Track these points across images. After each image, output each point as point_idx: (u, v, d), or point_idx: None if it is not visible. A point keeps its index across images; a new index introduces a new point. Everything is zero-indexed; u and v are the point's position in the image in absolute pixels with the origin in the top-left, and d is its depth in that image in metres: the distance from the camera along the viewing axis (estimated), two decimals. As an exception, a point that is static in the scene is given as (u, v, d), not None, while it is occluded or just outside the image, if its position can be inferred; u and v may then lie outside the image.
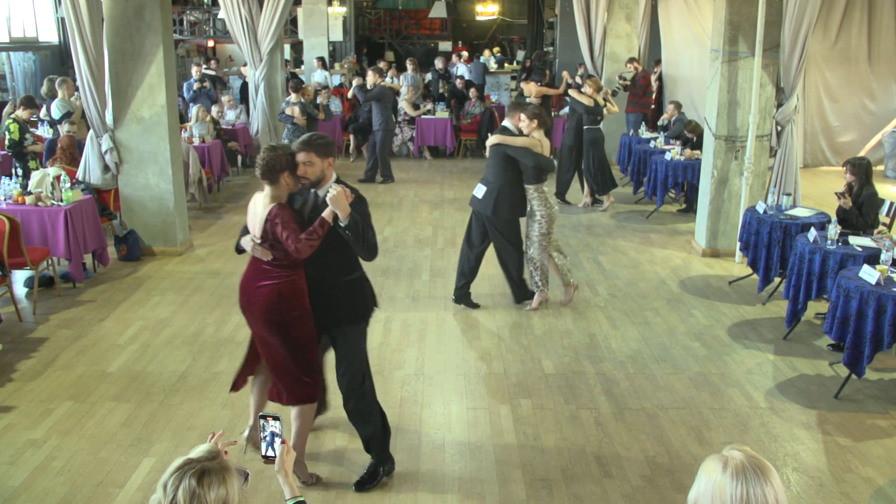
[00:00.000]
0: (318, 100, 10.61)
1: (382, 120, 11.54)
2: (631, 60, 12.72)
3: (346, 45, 22.70)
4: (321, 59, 17.06)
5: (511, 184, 6.34)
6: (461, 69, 18.04)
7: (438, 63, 16.20)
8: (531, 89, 10.31)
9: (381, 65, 14.62)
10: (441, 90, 15.53)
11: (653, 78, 13.96)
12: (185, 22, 20.41)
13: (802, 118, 12.00)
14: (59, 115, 9.33)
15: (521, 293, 6.70)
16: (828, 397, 5.12)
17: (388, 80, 14.32)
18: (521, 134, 6.33)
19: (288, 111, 10.09)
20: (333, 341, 4.09)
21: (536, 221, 6.44)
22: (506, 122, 6.49)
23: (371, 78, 11.58)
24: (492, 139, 6.42)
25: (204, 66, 14.71)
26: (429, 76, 16.41)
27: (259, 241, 3.82)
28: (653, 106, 13.53)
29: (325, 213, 3.71)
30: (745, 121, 7.80)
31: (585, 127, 10.07)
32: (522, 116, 6.28)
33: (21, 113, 8.51)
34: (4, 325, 6.07)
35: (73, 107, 9.46)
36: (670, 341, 6.03)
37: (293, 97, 10.11)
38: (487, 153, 6.51)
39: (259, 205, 3.84)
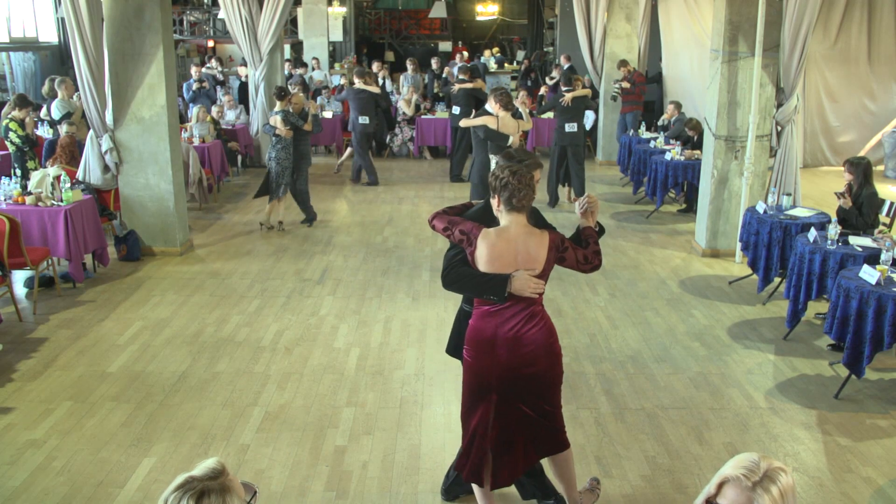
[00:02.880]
0: (308, 109, 9.15)
1: (361, 121, 11.59)
2: (624, 64, 12.71)
3: (346, 45, 22.70)
4: (316, 59, 17.28)
5: (481, 154, 7.77)
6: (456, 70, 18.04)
7: (434, 63, 16.25)
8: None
9: (374, 67, 14.70)
10: (435, 90, 15.54)
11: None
12: (185, 22, 20.41)
13: (802, 118, 12.00)
14: (59, 116, 9.32)
15: None
16: (828, 397, 5.12)
17: (379, 81, 14.36)
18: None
19: (271, 121, 8.91)
20: None
21: None
22: (486, 105, 8.08)
23: (357, 81, 11.59)
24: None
25: (204, 67, 14.64)
26: (427, 76, 16.45)
27: (537, 276, 3.34)
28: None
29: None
30: (745, 121, 7.79)
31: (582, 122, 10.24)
32: (490, 99, 7.95)
33: (17, 113, 8.51)
34: (4, 325, 6.07)
35: (73, 107, 9.46)
36: (670, 341, 6.03)
37: (278, 106, 8.87)
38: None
39: (517, 240, 3.32)
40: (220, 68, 15.99)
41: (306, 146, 9.15)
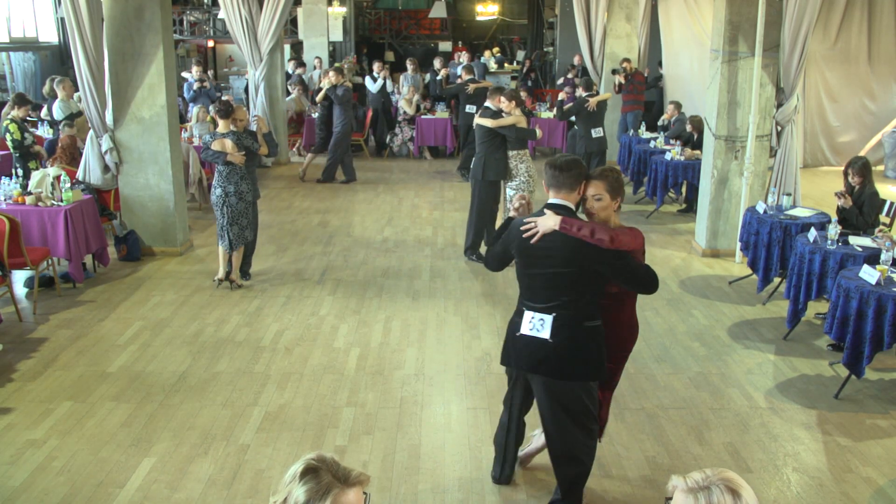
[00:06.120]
0: (254, 126, 7.29)
1: (345, 120, 11.41)
2: (626, 61, 12.71)
3: (346, 45, 22.69)
4: (318, 58, 17.19)
5: (495, 152, 7.63)
6: (460, 70, 18.04)
7: (437, 63, 16.25)
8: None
9: (345, 65, 14.48)
10: (437, 91, 15.52)
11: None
12: (185, 22, 20.40)
13: (802, 118, 12.01)
14: (61, 117, 9.32)
15: (472, 249, 7.97)
16: (828, 397, 5.13)
17: (379, 81, 14.30)
18: (498, 111, 7.66)
19: (216, 146, 6.87)
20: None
21: (520, 177, 7.71)
22: (487, 103, 7.78)
23: (334, 79, 11.32)
24: (486, 122, 7.57)
25: (192, 73, 14.01)
26: (429, 76, 16.45)
27: None
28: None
29: None
30: (745, 121, 7.79)
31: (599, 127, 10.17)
32: (503, 98, 7.64)
33: (17, 112, 8.51)
34: (4, 325, 6.07)
35: (75, 108, 9.46)
36: (670, 341, 6.03)
37: (221, 125, 6.97)
38: (476, 130, 7.77)
39: None
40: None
41: (255, 173, 7.27)
